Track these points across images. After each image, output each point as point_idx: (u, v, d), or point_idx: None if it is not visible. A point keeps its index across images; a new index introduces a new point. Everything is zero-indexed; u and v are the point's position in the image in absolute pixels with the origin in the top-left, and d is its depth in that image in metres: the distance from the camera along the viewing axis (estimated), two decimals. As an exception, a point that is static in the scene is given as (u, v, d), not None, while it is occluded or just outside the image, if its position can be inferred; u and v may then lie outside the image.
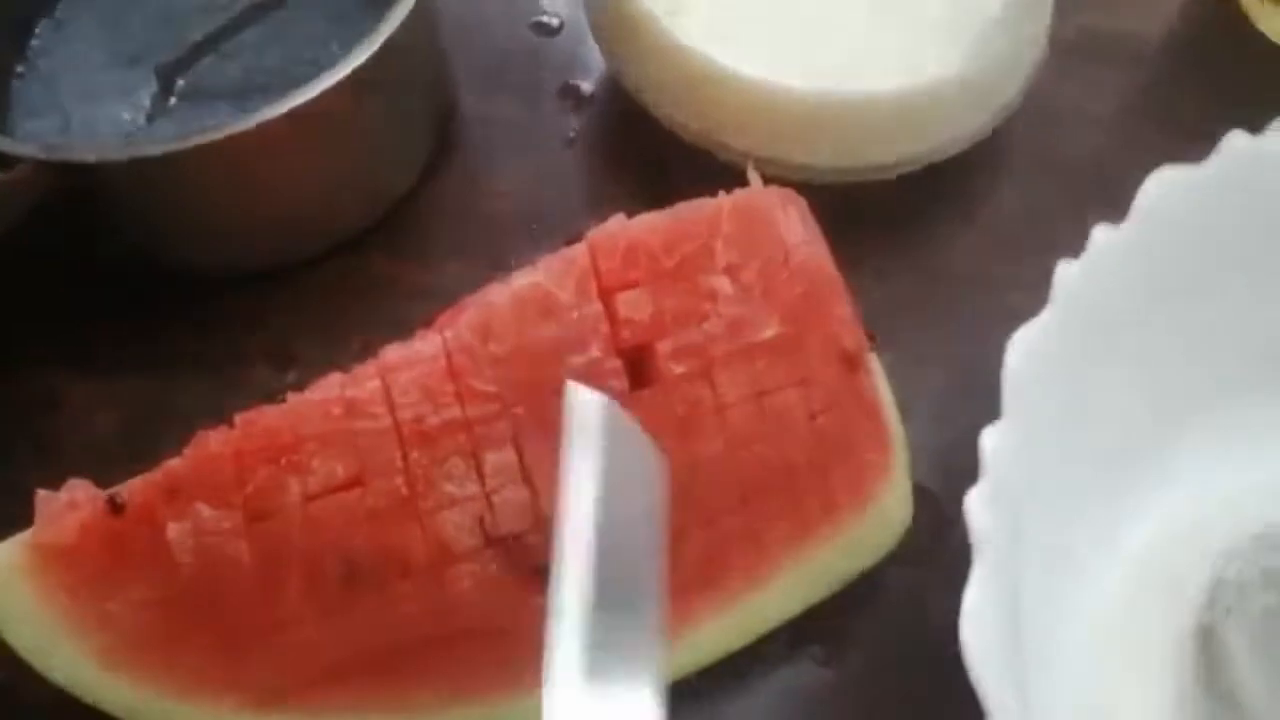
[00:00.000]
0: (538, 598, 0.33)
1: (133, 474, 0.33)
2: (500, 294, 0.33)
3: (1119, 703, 0.32)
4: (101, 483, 0.33)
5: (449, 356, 0.32)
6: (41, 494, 0.33)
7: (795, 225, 0.34)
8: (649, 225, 0.33)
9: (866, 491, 0.35)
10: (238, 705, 0.33)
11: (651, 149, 0.45)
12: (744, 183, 0.36)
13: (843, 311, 0.34)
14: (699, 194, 0.35)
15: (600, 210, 0.43)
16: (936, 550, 0.37)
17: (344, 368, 0.34)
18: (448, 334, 0.33)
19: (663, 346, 0.33)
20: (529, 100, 0.47)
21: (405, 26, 0.39)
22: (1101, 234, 0.30)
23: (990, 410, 0.28)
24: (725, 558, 0.34)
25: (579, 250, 0.33)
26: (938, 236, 0.44)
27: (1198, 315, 0.32)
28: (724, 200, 0.34)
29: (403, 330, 0.41)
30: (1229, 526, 0.33)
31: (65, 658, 0.32)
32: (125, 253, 0.43)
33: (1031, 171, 0.46)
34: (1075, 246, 0.31)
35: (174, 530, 0.32)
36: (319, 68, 0.38)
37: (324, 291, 0.43)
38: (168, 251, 0.43)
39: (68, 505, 0.33)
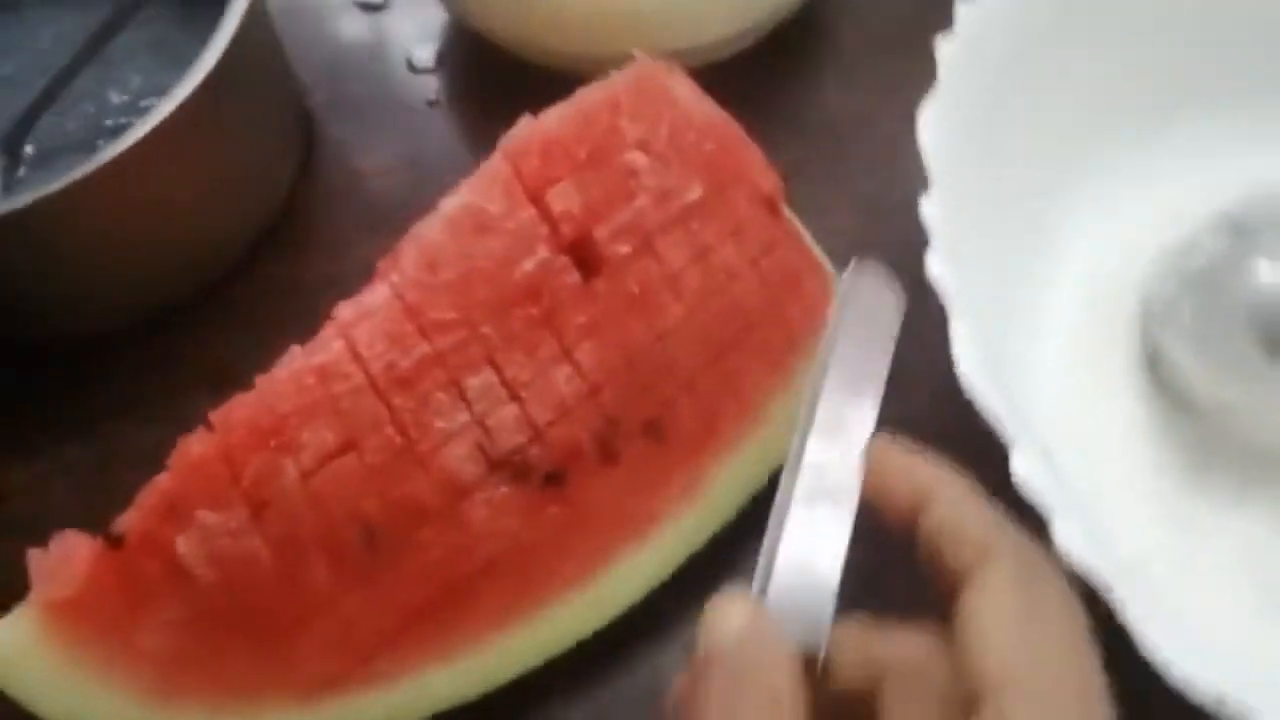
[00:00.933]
0: (552, 506, 0.33)
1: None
2: (432, 225, 0.33)
3: (1092, 415, 0.35)
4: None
5: (401, 298, 0.33)
6: (33, 552, 0.32)
7: (686, 89, 0.36)
8: (555, 120, 0.34)
9: (819, 318, 0.37)
10: (299, 699, 0.32)
11: (515, 84, 0.45)
12: None
13: (754, 157, 0.36)
14: None
15: (488, 151, 0.45)
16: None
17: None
18: (393, 278, 0.33)
19: (600, 232, 0.34)
20: (380, 77, 0.47)
21: (243, 28, 0.39)
22: (965, 8, 0.32)
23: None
24: (714, 413, 0.35)
25: (496, 162, 0.33)
26: (798, 95, 0.46)
27: (1088, 54, 0.35)
28: (616, 80, 0.35)
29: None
30: (1154, 247, 0.37)
31: (108, 711, 0.31)
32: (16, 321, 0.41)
33: (867, 13, 0.48)
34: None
35: (183, 545, 0.31)
36: (161, 96, 0.38)
37: (242, 306, 0.43)
38: (65, 309, 0.41)
39: (62, 558, 0.32)
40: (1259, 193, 0.35)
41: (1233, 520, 0.35)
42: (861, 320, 0.29)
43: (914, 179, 0.42)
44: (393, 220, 0.44)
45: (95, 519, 0.36)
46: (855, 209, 0.43)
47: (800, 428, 0.28)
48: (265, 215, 0.44)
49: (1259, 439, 0.35)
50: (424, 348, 0.32)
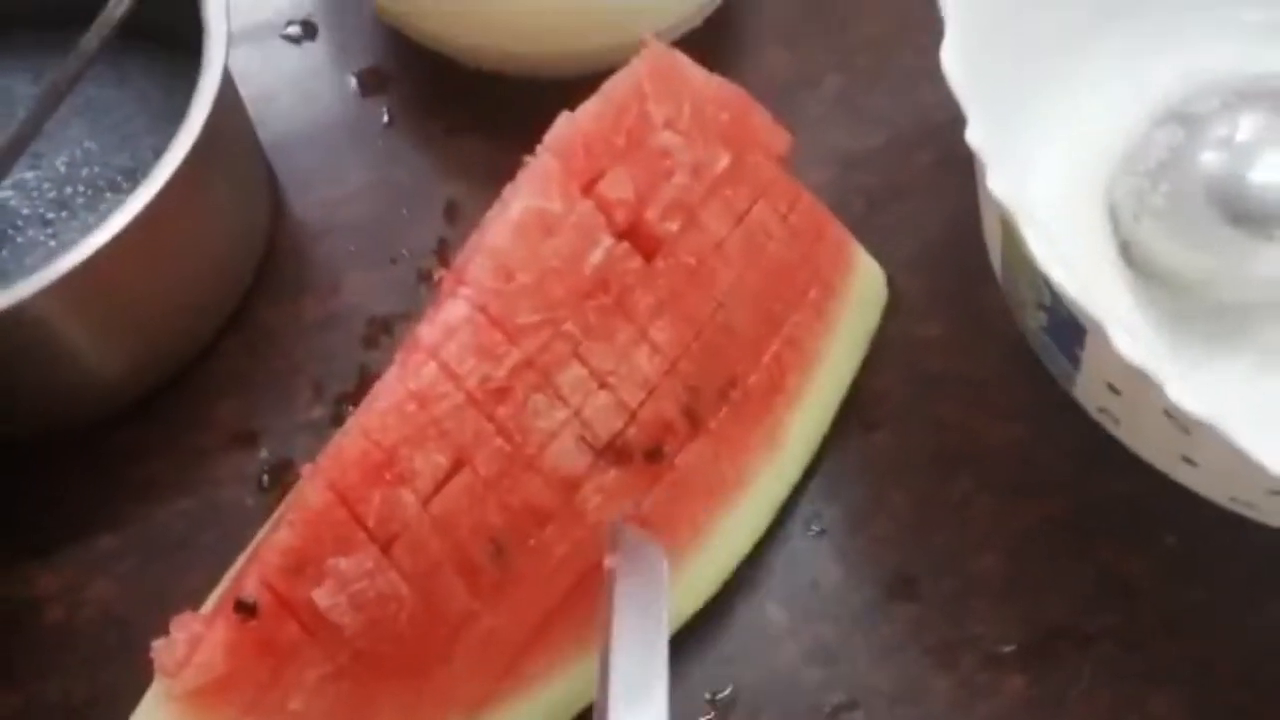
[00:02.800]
0: (657, 481, 0.35)
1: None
2: (496, 233, 0.33)
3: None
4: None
5: (484, 309, 0.33)
6: (158, 642, 0.30)
7: (693, 67, 0.37)
8: (590, 114, 0.35)
9: (846, 260, 0.39)
10: (459, 722, 0.32)
11: (467, 92, 0.46)
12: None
13: (763, 120, 0.38)
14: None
15: (457, 163, 0.45)
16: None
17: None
18: (467, 291, 0.33)
19: (650, 213, 0.35)
20: (329, 106, 0.46)
21: (220, 93, 0.37)
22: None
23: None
24: (778, 367, 0.37)
25: (544, 161, 0.34)
26: (749, 63, 0.48)
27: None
28: (635, 67, 0.36)
29: (343, 357, 0.41)
30: (1114, 151, 0.41)
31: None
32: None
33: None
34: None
35: (323, 597, 0.30)
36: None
37: (245, 359, 0.41)
38: (60, 401, 0.39)
39: (189, 642, 0.30)
40: (1196, 84, 0.40)
41: (1204, 374, 0.40)
42: (637, 586, 0.32)
43: (868, 130, 0.46)
44: (376, 249, 0.44)
45: (147, 610, 0.34)
46: (824, 164, 0.45)
47: (598, 699, 0.29)
48: (254, 264, 0.42)
49: (1231, 298, 0.40)
50: (514, 354, 0.33)
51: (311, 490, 0.31)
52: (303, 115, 0.46)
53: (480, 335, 0.33)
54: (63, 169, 0.41)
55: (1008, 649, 0.36)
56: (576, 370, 0.34)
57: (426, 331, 0.33)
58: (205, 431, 0.40)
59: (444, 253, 0.43)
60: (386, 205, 0.44)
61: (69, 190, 0.41)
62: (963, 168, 0.37)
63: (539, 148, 0.34)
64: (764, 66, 0.47)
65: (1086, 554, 0.37)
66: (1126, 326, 0.31)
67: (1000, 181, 0.31)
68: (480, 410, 0.32)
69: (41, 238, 0.40)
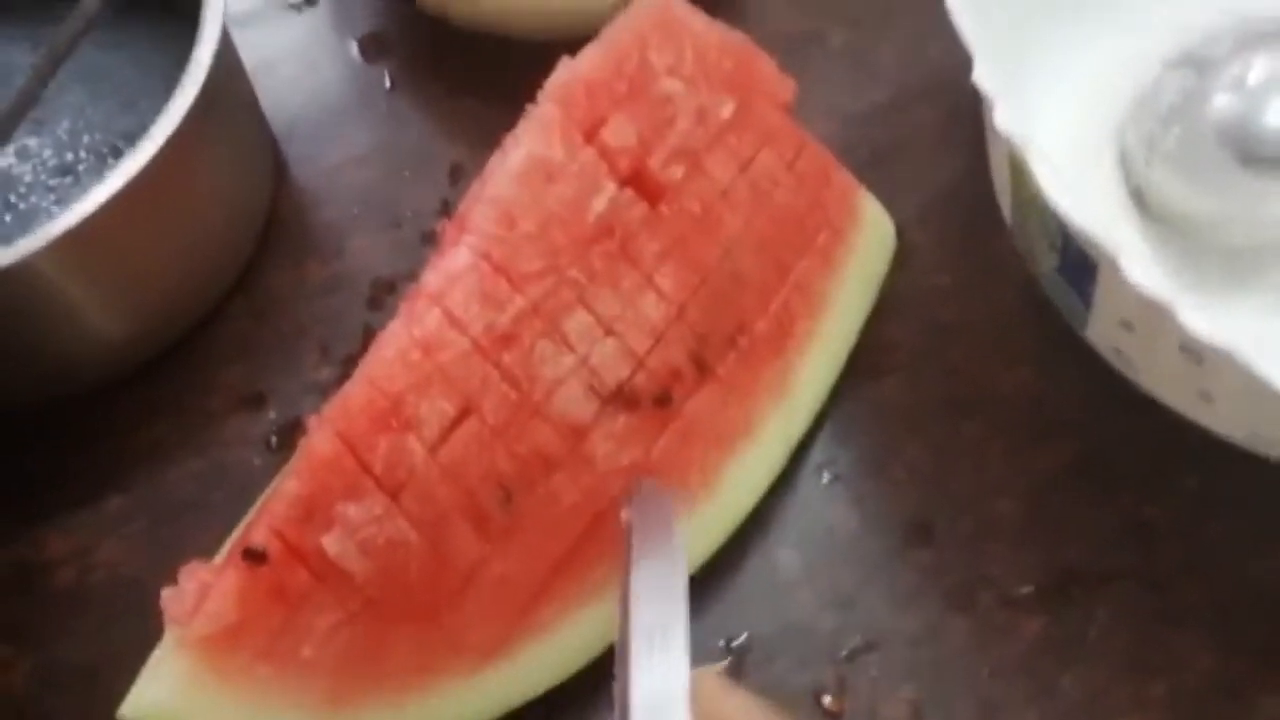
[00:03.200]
0: (666, 427, 0.34)
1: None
2: (497, 182, 0.33)
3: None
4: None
5: (487, 256, 0.32)
6: (167, 592, 0.30)
7: (695, 14, 0.37)
8: (591, 61, 0.35)
9: (853, 207, 0.39)
10: (471, 669, 0.32)
11: (468, 55, 0.46)
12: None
13: (768, 68, 0.38)
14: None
15: (460, 125, 0.45)
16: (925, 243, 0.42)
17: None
18: (470, 239, 0.33)
19: (654, 161, 0.35)
20: (332, 72, 0.46)
21: (218, 54, 0.37)
22: None
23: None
24: (786, 313, 0.37)
25: (546, 109, 0.34)
26: (755, 14, 0.47)
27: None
28: (635, 15, 0.35)
29: (348, 319, 0.41)
30: (1126, 96, 0.41)
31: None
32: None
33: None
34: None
35: (332, 544, 0.30)
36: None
37: (252, 322, 0.41)
38: (67, 364, 0.39)
39: (199, 590, 0.30)
40: (1207, 27, 0.40)
41: (1222, 314, 0.39)
42: (653, 534, 0.32)
43: (874, 85, 0.45)
44: (380, 211, 0.44)
45: (157, 571, 0.34)
46: (830, 118, 0.45)
47: (619, 648, 0.29)
48: (256, 229, 0.42)
49: (1244, 241, 0.39)
50: (519, 301, 0.33)
51: (319, 439, 0.31)
52: (305, 82, 0.46)
53: (485, 282, 0.32)
54: (65, 135, 0.41)
55: (1025, 590, 0.35)
56: (582, 317, 0.33)
57: (430, 279, 0.33)
58: (213, 394, 0.40)
59: (447, 214, 0.43)
60: (390, 168, 0.44)
61: (71, 156, 0.40)
62: (970, 123, 0.37)
63: (540, 95, 0.34)
64: (769, 21, 0.47)
65: (1103, 496, 0.37)
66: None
67: (1007, 116, 0.31)
68: (486, 357, 0.32)
69: (45, 204, 0.40)
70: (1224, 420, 0.34)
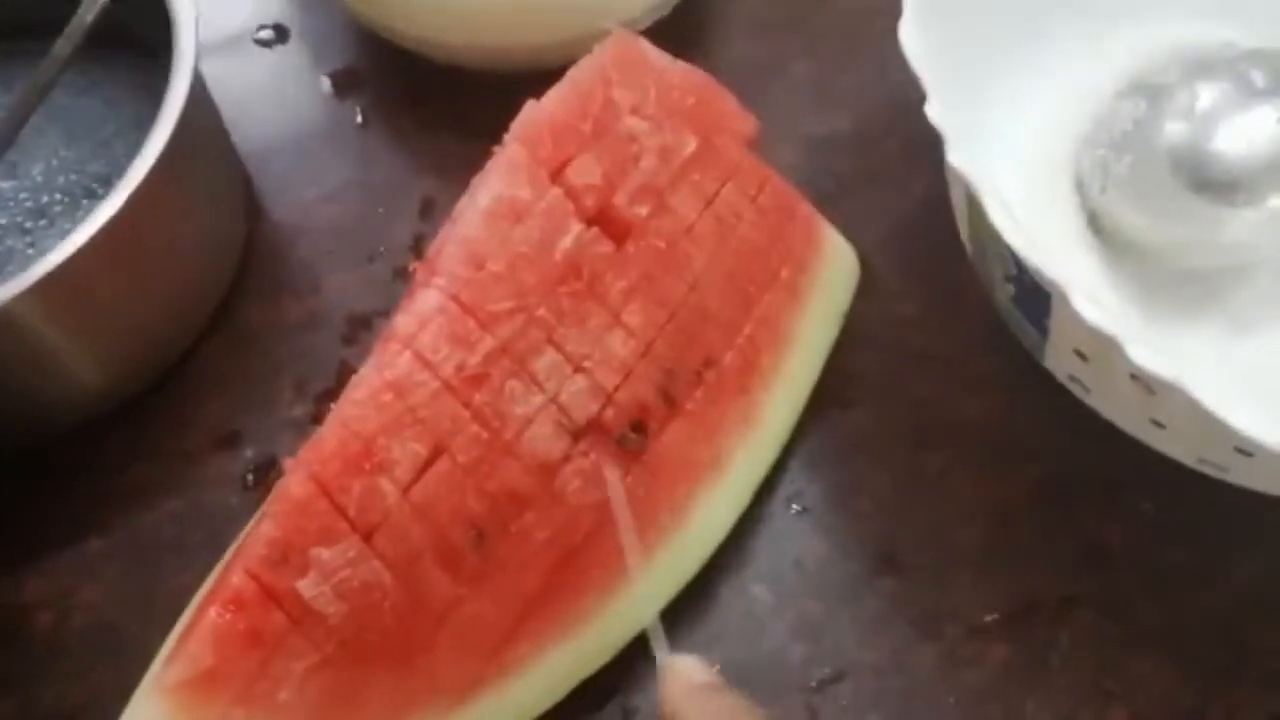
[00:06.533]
0: (636, 462, 0.35)
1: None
2: (466, 223, 0.34)
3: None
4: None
5: (456, 298, 0.33)
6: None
7: (656, 52, 0.37)
8: (556, 101, 0.35)
9: (816, 239, 0.40)
10: (445, 709, 0.32)
11: (439, 89, 0.46)
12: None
13: (729, 104, 0.38)
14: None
15: (431, 160, 0.45)
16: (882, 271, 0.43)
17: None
18: (439, 281, 0.33)
19: (619, 198, 0.35)
20: (303, 109, 0.47)
21: (190, 96, 0.37)
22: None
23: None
24: (752, 346, 0.37)
25: (512, 150, 0.34)
26: (715, 51, 0.49)
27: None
28: (599, 55, 0.36)
29: (323, 355, 0.41)
30: (1079, 124, 0.42)
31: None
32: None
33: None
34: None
35: (307, 587, 0.31)
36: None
37: (227, 360, 0.41)
38: (41, 407, 0.39)
39: (178, 636, 0.30)
40: (1157, 57, 0.41)
41: (1177, 341, 0.40)
42: None
43: (837, 114, 0.46)
44: (355, 249, 0.44)
45: (136, 613, 0.35)
46: (794, 148, 0.46)
47: None
48: (231, 267, 0.43)
49: (1199, 265, 0.40)
50: (488, 341, 0.33)
51: (293, 481, 0.31)
52: (278, 118, 0.46)
53: (454, 324, 0.33)
54: (39, 178, 0.41)
55: (990, 618, 0.36)
56: (551, 355, 0.34)
57: (401, 322, 0.33)
58: (190, 434, 0.40)
59: (420, 249, 0.44)
60: (363, 204, 0.45)
61: (46, 199, 0.41)
62: (932, 151, 0.38)
63: (506, 136, 0.35)
64: (733, 54, 0.48)
65: (1064, 523, 0.38)
66: (1095, 295, 0.31)
67: (960, 154, 0.32)
68: (457, 397, 0.33)
69: (20, 246, 0.40)
70: (1176, 446, 0.35)
